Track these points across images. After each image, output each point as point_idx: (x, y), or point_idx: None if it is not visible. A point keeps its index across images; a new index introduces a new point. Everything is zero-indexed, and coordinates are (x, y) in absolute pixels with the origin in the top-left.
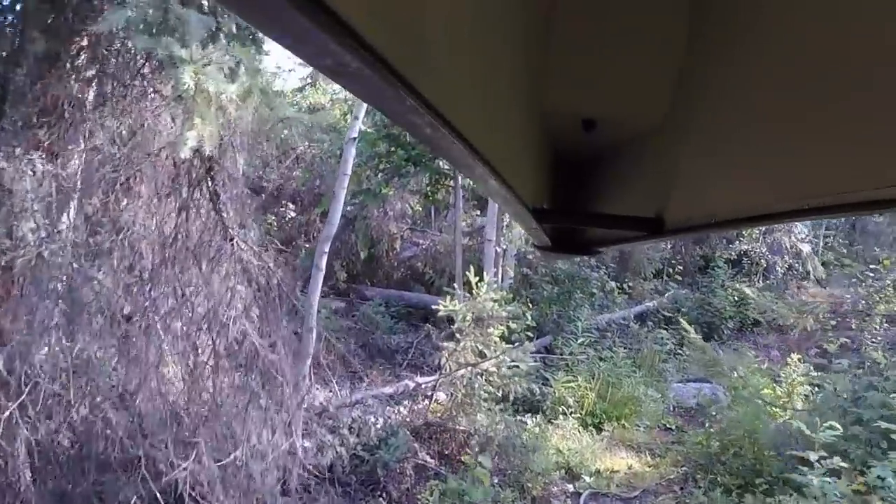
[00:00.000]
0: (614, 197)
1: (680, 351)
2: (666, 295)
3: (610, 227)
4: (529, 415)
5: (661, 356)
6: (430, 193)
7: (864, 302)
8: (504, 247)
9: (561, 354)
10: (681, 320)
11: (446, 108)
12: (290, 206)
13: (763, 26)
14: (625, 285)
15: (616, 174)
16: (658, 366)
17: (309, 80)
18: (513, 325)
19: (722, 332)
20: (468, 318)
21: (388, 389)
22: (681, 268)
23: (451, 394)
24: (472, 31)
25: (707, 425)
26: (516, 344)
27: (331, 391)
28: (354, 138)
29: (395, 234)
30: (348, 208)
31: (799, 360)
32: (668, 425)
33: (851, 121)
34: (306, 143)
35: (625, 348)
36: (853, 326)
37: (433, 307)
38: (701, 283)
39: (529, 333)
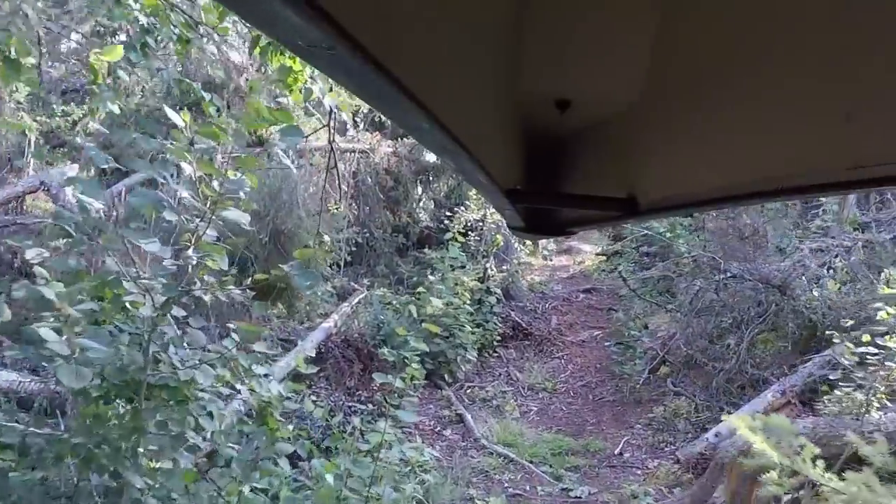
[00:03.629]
0: (588, 177)
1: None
2: (354, 302)
3: (582, 208)
4: None
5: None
6: None
7: None
8: None
9: None
10: None
11: (418, 88)
12: None
13: (738, 4)
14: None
15: (590, 155)
16: None
17: None
18: None
19: (458, 368)
20: None
21: None
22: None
23: None
24: (443, 12)
25: None
26: None
27: None
28: None
29: None
30: None
31: None
32: None
33: (826, 101)
34: None
35: None
36: None
37: None
38: (409, 278)
39: None
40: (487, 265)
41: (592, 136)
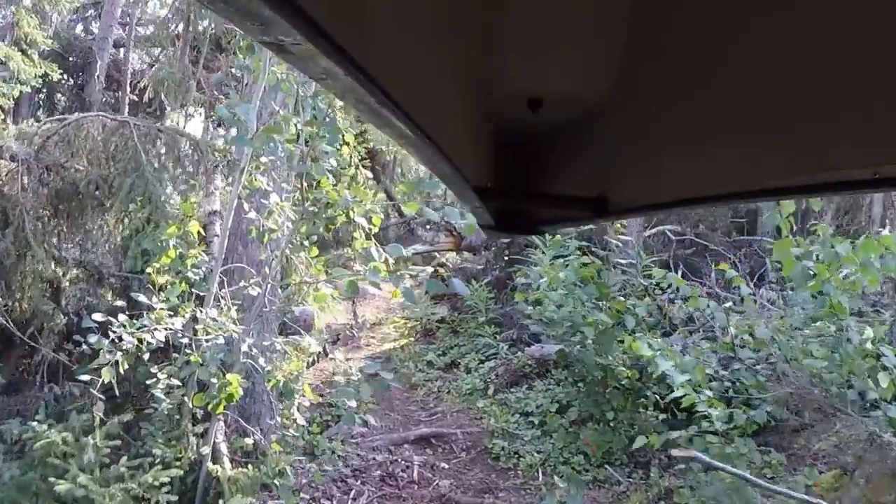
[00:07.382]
0: (559, 177)
1: None
2: None
3: (552, 207)
4: None
5: None
6: None
7: None
8: None
9: None
10: None
11: (390, 84)
12: None
13: (707, 7)
14: None
15: (562, 154)
16: None
17: None
18: None
19: None
20: None
21: None
22: None
23: None
24: (416, 9)
25: None
26: None
27: None
28: None
29: None
30: None
31: None
32: None
33: (795, 102)
34: None
35: None
36: None
37: None
38: None
39: None
40: (205, 454)
41: (564, 136)
